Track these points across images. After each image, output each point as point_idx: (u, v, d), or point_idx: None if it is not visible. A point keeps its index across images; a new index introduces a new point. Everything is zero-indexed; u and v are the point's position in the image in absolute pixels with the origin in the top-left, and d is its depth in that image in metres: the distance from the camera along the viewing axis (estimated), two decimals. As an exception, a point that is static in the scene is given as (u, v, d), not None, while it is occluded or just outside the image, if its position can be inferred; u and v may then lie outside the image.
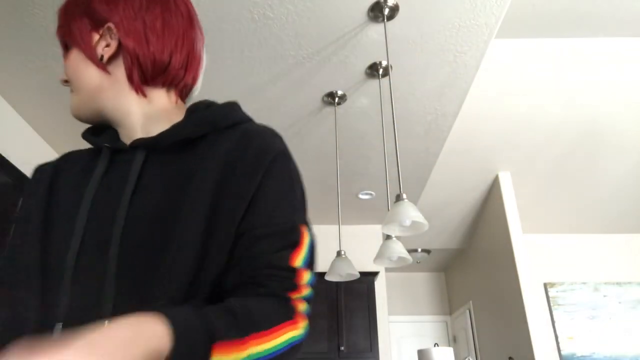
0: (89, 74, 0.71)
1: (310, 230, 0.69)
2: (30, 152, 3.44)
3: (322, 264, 5.71)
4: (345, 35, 2.59)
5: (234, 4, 2.38)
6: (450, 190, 5.04)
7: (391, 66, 2.85)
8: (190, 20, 0.78)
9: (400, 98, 3.17)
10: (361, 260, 5.08)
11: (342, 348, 4.57)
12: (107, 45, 0.71)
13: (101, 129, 0.78)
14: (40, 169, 0.78)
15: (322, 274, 3.40)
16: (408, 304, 6.94)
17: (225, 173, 0.66)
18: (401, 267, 5.25)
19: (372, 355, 4.58)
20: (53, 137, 3.57)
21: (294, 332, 0.61)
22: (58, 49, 2.67)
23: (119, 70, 0.72)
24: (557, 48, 3.53)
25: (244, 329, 0.55)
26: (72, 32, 0.72)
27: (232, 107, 0.77)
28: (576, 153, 4.52)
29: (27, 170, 3.34)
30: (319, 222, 5.35)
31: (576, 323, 5.27)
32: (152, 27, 0.71)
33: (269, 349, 0.56)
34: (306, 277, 0.65)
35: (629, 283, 5.49)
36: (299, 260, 0.65)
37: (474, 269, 5.89)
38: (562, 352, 5.12)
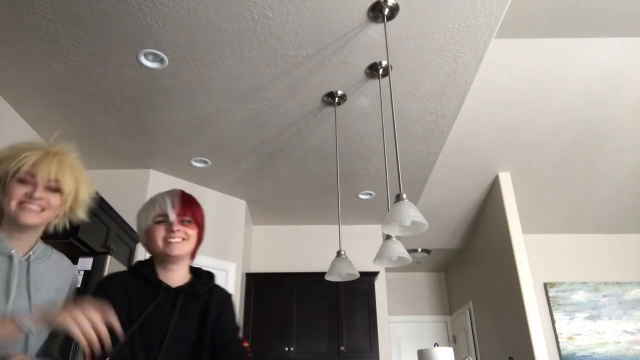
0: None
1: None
2: (30, 152, 3.44)
3: (322, 264, 5.74)
4: (345, 35, 2.59)
5: (234, 4, 2.38)
6: (450, 190, 5.04)
7: (391, 66, 2.85)
8: None
9: (400, 98, 3.17)
10: (361, 260, 5.08)
11: (342, 348, 4.57)
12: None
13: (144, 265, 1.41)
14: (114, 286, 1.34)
15: (322, 274, 3.40)
16: (408, 304, 6.93)
17: (217, 313, 1.42)
18: (401, 267, 5.25)
19: (372, 355, 4.58)
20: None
21: None
22: (58, 48, 2.64)
23: None
24: (557, 48, 3.53)
25: None
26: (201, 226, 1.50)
27: (213, 280, 1.51)
28: (576, 153, 4.52)
29: (27, 170, 3.34)
30: (319, 222, 5.35)
31: (576, 323, 5.27)
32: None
33: None
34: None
35: (629, 283, 5.49)
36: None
37: (474, 269, 5.89)
38: (562, 352, 5.12)
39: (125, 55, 2.72)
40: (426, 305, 7.00)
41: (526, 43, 3.51)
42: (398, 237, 2.42)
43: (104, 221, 3.19)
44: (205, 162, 4.01)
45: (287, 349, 4.56)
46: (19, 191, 1.17)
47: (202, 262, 4.20)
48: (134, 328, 1.26)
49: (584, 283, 5.48)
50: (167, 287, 1.37)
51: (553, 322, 5.28)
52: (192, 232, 1.43)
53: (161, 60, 2.77)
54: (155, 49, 2.68)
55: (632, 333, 5.23)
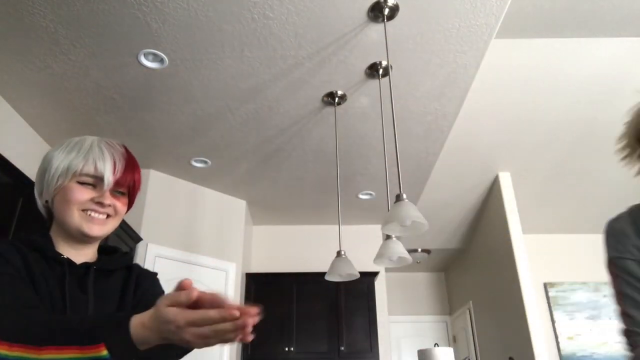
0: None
1: None
2: (30, 152, 3.44)
3: (322, 264, 5.73)
4: (345, 35, 2.59)
5: (234, 4, 2.38)
6: (450, 190, 5.04)
7: (391, 66, 2.85)
8: None
9: (400, 98, 3.16)
10: (361, 260, 5.08)
11: (342, 348, 4.57)
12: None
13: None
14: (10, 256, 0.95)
15: (322, 274, 3.40)
16: (408, 304, 6.93)
17: (140, 291, 1.07)
18: (401, 267, 5.25)
19: (372, 355, 4.57)
20: (53, 137, 3.56)
21: None
22: (58, 48, 2.64)
23: None
24: (557, 48, 3.53)
25: None
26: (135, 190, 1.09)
27: (131, 256, 1.26)
28: (576, 153, 4.52)
29: (27, 170, 3.34)
30: (319, 222, 5.35)
31: (576, 323, 5.27)
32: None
33: None
34: None
35: (629, 283, 5.48)
36: None
37: (474, 269, 5.89)
38: (562, 352, 5.11)
39: (125, 55, 2.72)
40: (426, 305, 7.00)
41: (526, 43, 3.51)
42: (398, 237, 2.42)
43: (104, 221, 3.19)
44: (205, 162, 4.01)
45: (287, 349, 4.56)
46: None
47: (203, 262, 4.20)
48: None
49: (584, 283, 5.47)
50: (71, 263, 0.98)
51: (553, 322, 5.28)
52: (122, 208, 1.04)
53: (161, 60, 2.77)
54: (155, 49, 2.68)
55: (632, 333, 5.22)
